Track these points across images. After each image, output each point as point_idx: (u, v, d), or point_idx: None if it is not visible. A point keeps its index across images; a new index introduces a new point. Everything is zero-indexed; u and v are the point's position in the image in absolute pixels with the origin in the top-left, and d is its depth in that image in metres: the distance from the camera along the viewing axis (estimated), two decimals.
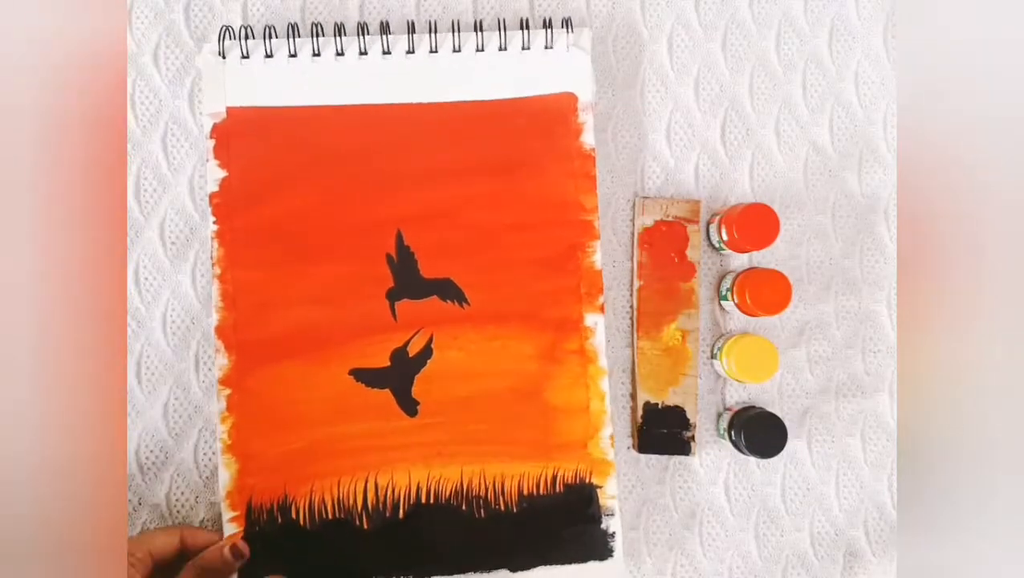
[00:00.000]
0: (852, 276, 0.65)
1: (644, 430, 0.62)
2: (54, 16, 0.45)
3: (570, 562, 0.60)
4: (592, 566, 0.60)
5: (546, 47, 0.62)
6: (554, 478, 0.61)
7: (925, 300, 0.50)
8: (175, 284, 0.62)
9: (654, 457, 0.63)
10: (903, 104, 0.52)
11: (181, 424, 0.62)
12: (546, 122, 0.62)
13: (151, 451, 0.62)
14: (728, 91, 0.65)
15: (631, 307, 0.64)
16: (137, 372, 0.62)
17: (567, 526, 0.61)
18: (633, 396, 0.63)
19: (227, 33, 0.61)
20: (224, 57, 0.62)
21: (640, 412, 0.63)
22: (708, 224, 0.64)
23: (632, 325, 0.64)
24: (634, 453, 0.63)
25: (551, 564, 0.60)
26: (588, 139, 0.62)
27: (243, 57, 0.62)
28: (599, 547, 0.60)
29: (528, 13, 0.64)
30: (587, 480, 0.61)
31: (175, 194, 0.63)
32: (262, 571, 0.59)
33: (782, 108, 0.65)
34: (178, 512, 0.62)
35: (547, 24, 0.62)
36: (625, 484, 0.63)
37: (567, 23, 0.62)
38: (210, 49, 0.62)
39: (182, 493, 0.62)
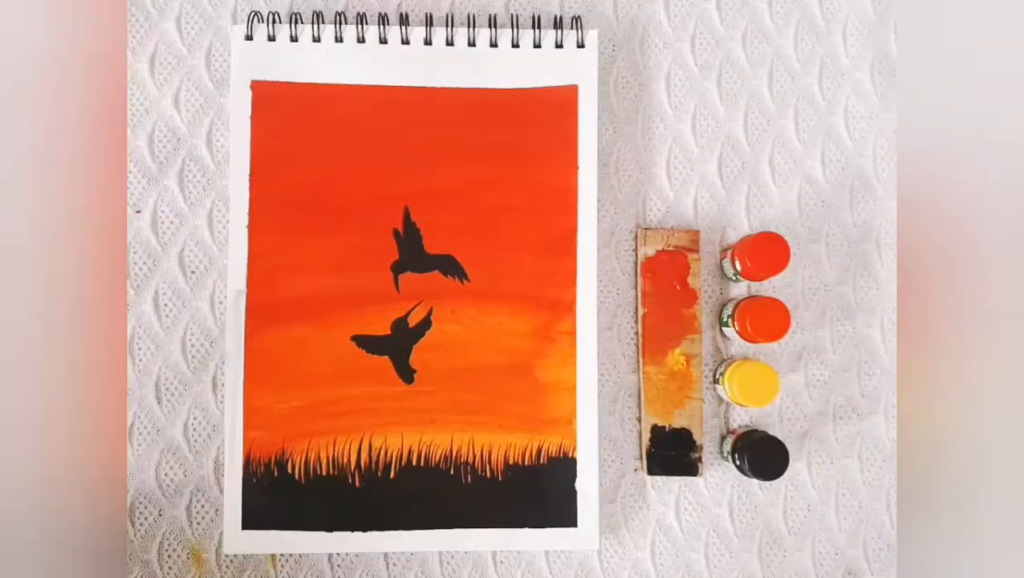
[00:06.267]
0: (846, 302, 0.67)
1: (652, 452, 0.64)
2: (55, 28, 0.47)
3: (545, 526, 0.63)
4: (566, 531, 0.63)
5: (556, 45, 0.65)
6: (539, 450, 0.64)
7: (924, 322, 0.51)
8: (194, 310, 0.64)
9: (660, 480, 0.65)
10: (902, 130, 0.53)
11: (200, 442, 0.64)
12: (551, 112, 0.65)
13: (171, 467, 0.64)
14: (724, 127, 0.67)
15: (636, 333, 0.66)
16: (156, 393, 0.64)
17: (547, 495, 0.63)
18: (640, 420, 0.65)
19: (255, 17, 0.64)
20: (252, 38, 0.64)
21: (648, 435, 0.64)
22: (721, 260, 0.66)
23: (638, 351, 0.65)
24: (641, 475, 0.65)
25: (528, 526, 0.63)
26: (590, 129, 0.65)
27: (269, 39, 0.64)
28: (573, 516, 0.63)
29: (542, 10, 0.67)
30: (570, 454, 0.63)
31: (193, 228, 0.65)
32: (258, 520, 0.62)
33: (776, 143, 0.67)
34: (198, 525, 0.63)
35: (558, 24, 0.65)
36: (632, 506, 0.65)
37: (576, 22, 0.65)
38: (239, 30, 0.64)
39: (202, 506, 0.64)
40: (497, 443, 0.64)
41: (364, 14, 0.65)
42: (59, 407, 0.46)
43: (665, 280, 0.65)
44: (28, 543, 0.44)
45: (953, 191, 0.50)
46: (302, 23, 0.65)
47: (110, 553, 0.49)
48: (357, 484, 0.63)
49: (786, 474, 0.62)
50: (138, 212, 0.64)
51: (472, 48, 0.65)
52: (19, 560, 0.44)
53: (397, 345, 0.64)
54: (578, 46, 0.65)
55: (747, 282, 0.66)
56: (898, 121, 0.67)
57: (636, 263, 0.66)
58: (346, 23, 0.65)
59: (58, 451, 0.46)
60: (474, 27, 0.65)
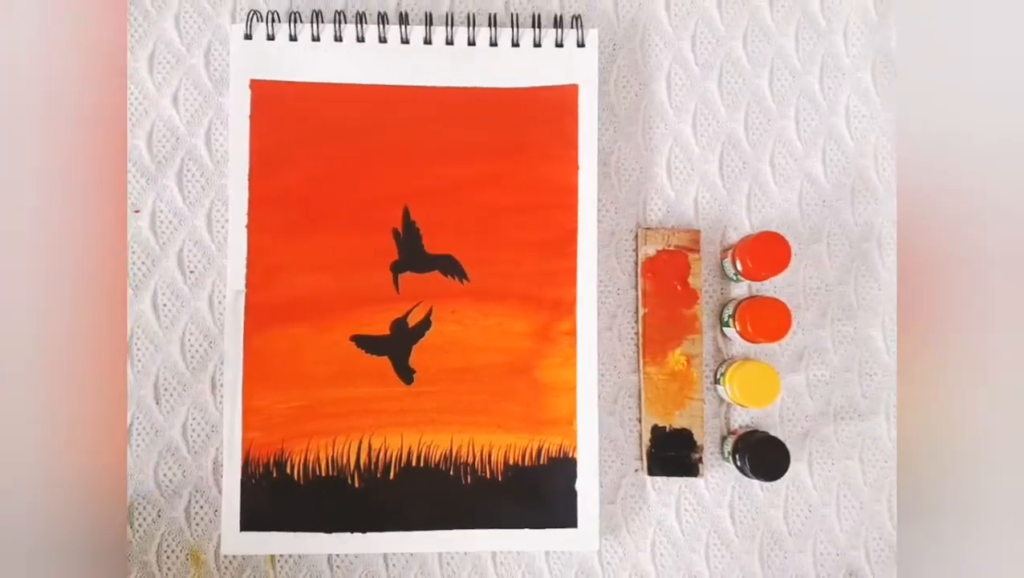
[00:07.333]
0: (848, 302, 0.67)
1: (653, 453, 0.64)
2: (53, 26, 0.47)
3: (545, 527, 0.63)
4: (566, 532, 0.63)
5: (556, 44, 0.65)
6: (539, 451, 0.64)
7: (924, 323, 0.51)
8: (193, 310, 0.64)
9: (661, 481, 0.65)
10: (902, 130, 0.53)
11: (199, 443, 0.64)
12: (551, 111, 0.65)
13: (169, 468, 0.64)
14: (725, 127, 0.67)
15: (636, 334, 0.65)
16: (155, 393, 0.64)
17: (547, 496, 0.63)
18: (640, 420, 0.65)
19: (254, 16, 0.64)
20: (251, 37, 0.64)
21: (648, 435, 0.64)
22: (722, 259, 0.66)
23: (638, 351, 0.65)
24: (642, 476, 0.65)
25: (528, 527, 0.63)
26: (590, 129, 0.65)
27: (268, 38, 0.64)
28: (574, 517, 0.63)
29: (542, 9, 0.67)
30: (570, 455, 0.64)
31: (191, 228, 0.65)
32: (256, 522, 0.62)
33: (777, 142, 0.67)
34: (197, 526, 0.64)
35: (558, 23, 0.65)
36: (632, 506, 0.65)
37: (576, 21, 0.65)
38: (238, 29, 0.64)
39: (201, 507, 0.64)
40: (497, 444, 0.64)
41: (363, 13, 0.65)
42: (59, 408, 0.46)
43: (666, 280, 0.65)
44: (27, 545, 0.45)
45: (953, 191, 0.50)
46: (301, 22, 0.65)
47: (109, 553, 0.49)
48: (356, 485, 0.63)
49: (787, 475, 0.62)
50: (136, 212, 0.64)
51: (472, 47, 0.65)
52: (18, 561, 0.44)
53: (396, 345, 0.64)
54: (578, 45, 0.65)
55: (748, 282, 0.66)
56: (897, 121, 0.67)
57: (636, 263, 0.66)
58: (345, 22, 0.65)
59: (58, 452, 0.46)
60: (474, 26, 0.65)
